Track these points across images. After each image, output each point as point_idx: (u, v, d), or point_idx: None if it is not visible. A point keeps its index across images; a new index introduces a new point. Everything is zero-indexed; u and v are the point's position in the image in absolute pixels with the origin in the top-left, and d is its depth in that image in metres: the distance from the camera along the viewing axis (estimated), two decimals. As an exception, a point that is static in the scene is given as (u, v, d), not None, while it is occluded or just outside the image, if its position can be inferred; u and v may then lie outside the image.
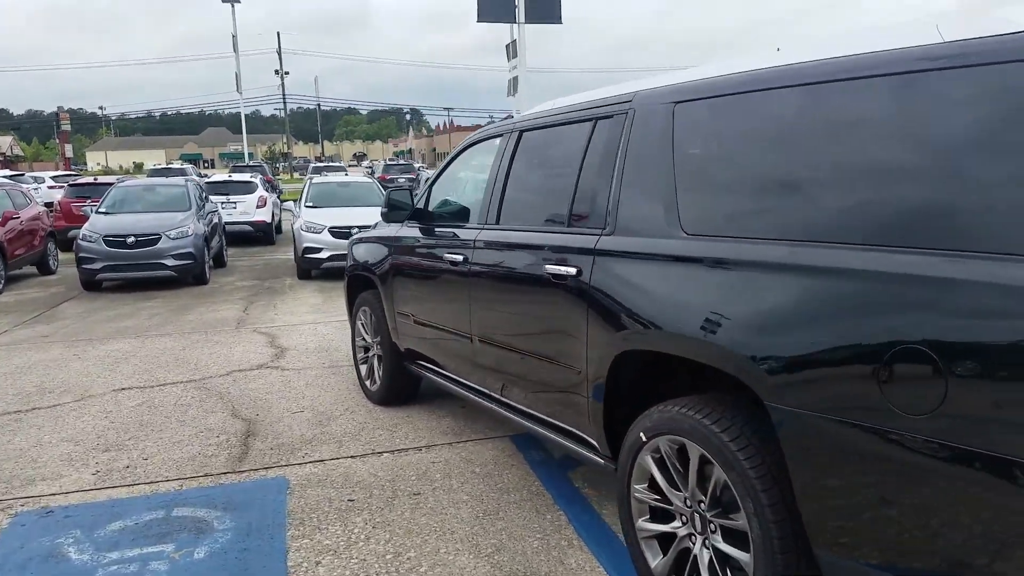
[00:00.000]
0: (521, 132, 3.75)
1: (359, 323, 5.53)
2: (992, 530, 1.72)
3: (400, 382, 5.20)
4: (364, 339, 5.50)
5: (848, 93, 2.17)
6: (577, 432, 3.23)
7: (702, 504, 2.49)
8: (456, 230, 4.19)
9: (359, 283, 5.54)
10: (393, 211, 4.62)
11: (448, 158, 4.58)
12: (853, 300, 1.99)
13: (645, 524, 2.73)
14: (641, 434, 2.65)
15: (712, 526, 2.46)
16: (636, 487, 2.74)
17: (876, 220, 1.99)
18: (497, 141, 3.99)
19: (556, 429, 3.38)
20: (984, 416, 1.70)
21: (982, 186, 1.80)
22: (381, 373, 5.21)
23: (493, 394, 3.91)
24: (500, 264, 3.65)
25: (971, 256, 1.74)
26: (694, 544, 2.54)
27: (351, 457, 4.37)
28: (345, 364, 6.48)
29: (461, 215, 4.32)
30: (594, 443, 3.11)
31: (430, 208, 4.58)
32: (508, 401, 3.78)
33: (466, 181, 4.54)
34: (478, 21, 18.08)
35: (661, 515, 2.70)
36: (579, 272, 2.97)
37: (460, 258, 3.91)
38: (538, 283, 3.27)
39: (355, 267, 5.47)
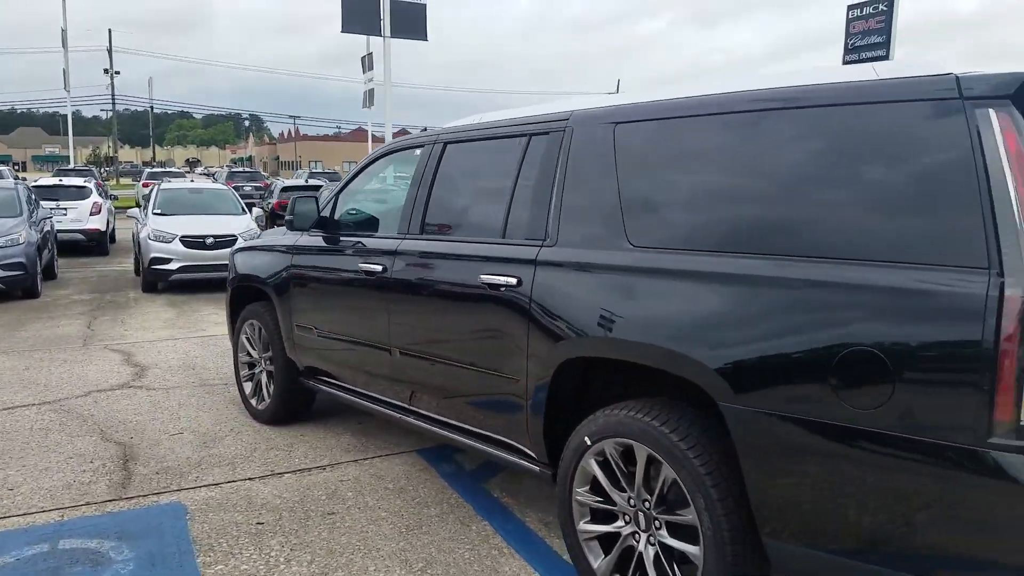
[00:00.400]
0: (445, 144, 3.76)
1: (243, 338, 5.27)
2: (920, 507, 1.95)
3: (294, 399, 5.00)
4: (250, 355, 5.24)
5: (752, 122, 2.42)
6: (508, 441, 3.27)
7: (647, 503, 2.60)
8: (372, 240, 4.11)
9: (245, 295, 5.28)
10: (299, 219, 4.45)
11: (358, 167, 4.49)
12: (793, 306, 2.19)
13: (586, 526, 2.82)
14: (586, 438, 2.74)
15: (657, 523, 2.58)
16: (578, 490, 2.82)
17: (791, 234, 2.22)
18: (417, 152, 3.97)
19: (485, 439, 3.40)
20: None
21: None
22: (272, 390, 4.98)
23: (411, 407, 3.87)
24: (426, 275, 3.63)
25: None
26: (638, 542, 2.66)
27: (249, 479, 4.14)
28: (217, 382, 6.15)
29: (376, 225, 4.25)
30: (528, 451, 3.16)
31: (337, 217, 4.46)
32: (428, 413, 3.75)
33: (381, 191, 4.48)
34: (343, 31, 17.75)
35: (602, 516, 2.80)
36: (519, 282, 3.02)
37: (379, 268, 3.85)
38: (472, 293, 3.29)
39: (241, 278, 5.21)
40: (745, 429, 2.25)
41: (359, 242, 4.20)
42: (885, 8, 24.04)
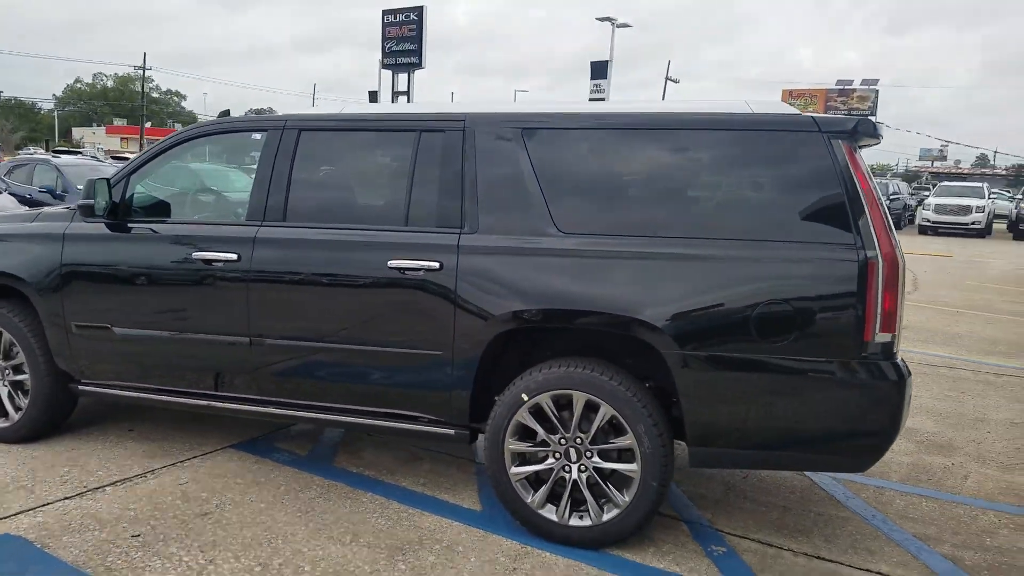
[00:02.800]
0: (299, 131, 3.81)
1: (-41, 347, 4.38)
2: (809, 406, 3.04)
3: (59, 410, 4.38)
4: (-24, 366, 4.38)
5: (667, 139, 3.32)
6: (412, 413, 3.60)
7: (579, 440, 3.28)
8: (210, 228, 3.91)
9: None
10: (100, 204, 3.93)
11: (156, 147, 4.12)
12: (707, 275, 3.11)
13: (518, 469, 3.37)
14: (523, 395, 3.29)
15: (589, 453, 3.28)
16: (510, 440, 3.36)
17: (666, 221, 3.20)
18: (257, 137, 3.92)
19: (381, 415, 3.65)
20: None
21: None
22: (29, 402, 4.27)
23: (268, 397, 3.86)
24: (304, 262, 3.68)
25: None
26: (568, 472, 3.31)
27: (66, 499, 3.65)
28: None
29: (199, 210, 4.03)
30: (439, 418, 3.55)
31: (138, 203, 4.07)
32: (297, 400, 3.81)
33: (198, 174, 4.21)
34: None
35: (531, 459, 3.38)
36: (441, 266, 3.40)
37: (232, 256, 3.74)
38: (375, 278, 3.52)
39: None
40: (683, 369, 3.09)
41: (184, 229, 3.97)
42: (416, 17, 26.90)
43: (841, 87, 44.39)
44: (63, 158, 15.38)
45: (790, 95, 43.29)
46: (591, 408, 3.25)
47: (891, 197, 27.68)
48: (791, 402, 3.07)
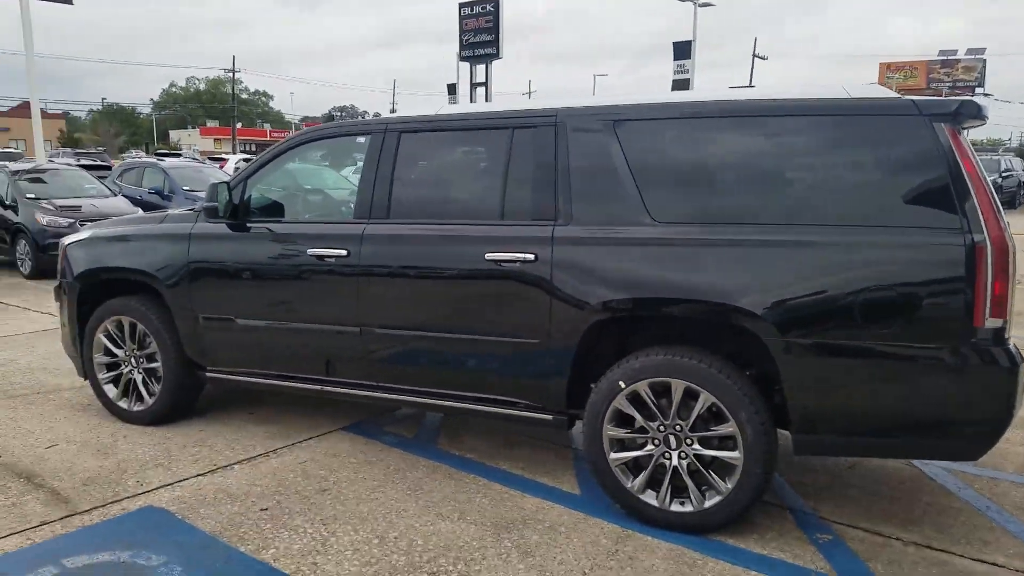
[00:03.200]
0: (400, 133, 4.03)
1: (101, 337, 4.80)
2: (914, 392, 3.04)
3: (187, 395, 4.76)
4: (112, 354, 4.80)
5: (772, 125, 3.34)
6: (510, 399, 3.76)
7: (678, 427, 3.37)
8: (319, 226, 4.19)
9: (98, 291, 4.83)
10: (222, 206, 4.26)
11: (272, 152, 4.43)
12: (809, 261, 3.13)
13: (617, 455, 3.49)
14: (620, 382, 3.41)
15: (689, 440, 3.36)
16: (608, 426, 3.48)
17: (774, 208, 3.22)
18: (362, 140, 4.16)
19: (480, 400, 3.84)
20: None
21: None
22: (161, 388, 4.66)
23: (378, 382, 4.10)
24: (408, 256, 3.89)
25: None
26: (669, 459, 3.41)
27: (199, 476, 3.98)
28: (24, 391, 5.43)
29: (310, 210, 4.30)
30: (537, 404, 3.70)
31: (256, 204, 4.38)
32: (403, 386, 4.03)
33: (301, 176, 4.49)
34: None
35: (628, 445, 3.49)
36: (536, 258, 3.54)
37: (343, 252, 3.99)
38: (474, 270, 3.69)
39: (100, 272, 4.76)
40: (786, 356, 3.13)
41: (298, 228, 4.26)
42: (492, 8, 27.02)
43: (944, 57, 42.16)
44: (169, 161, 16.32)
45: (888, 68, 41.50)
46: (690, 396, 3.33)
47: (1003, 174, 25.73)
48: (899, 389, 3.07)
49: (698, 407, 3.31)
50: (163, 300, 4.57)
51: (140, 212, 11.28)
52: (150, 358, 4.71)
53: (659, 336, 3.59)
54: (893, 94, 3.27)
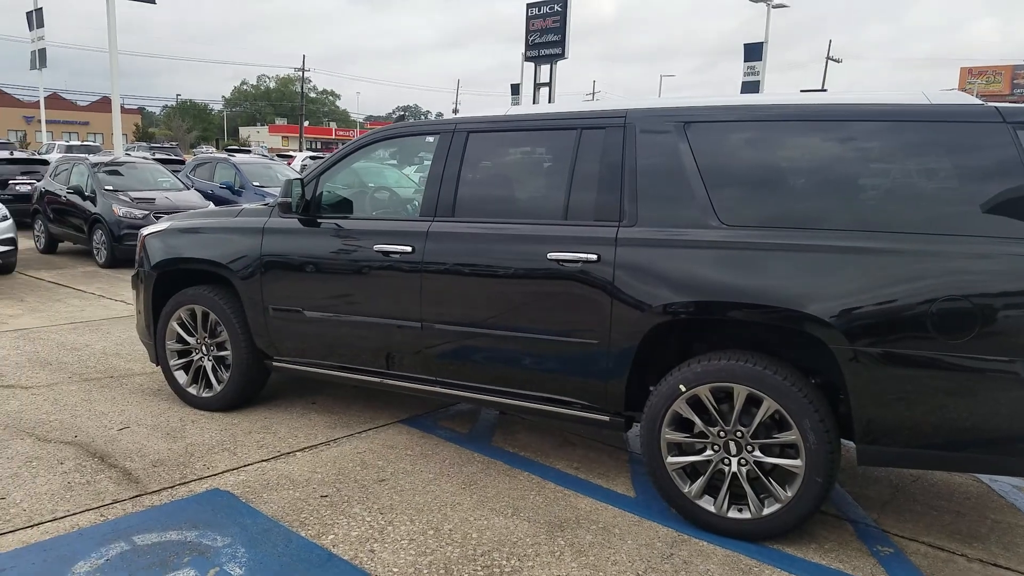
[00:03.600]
0: (468, 133, 4.09)
1: (174, 324, 4.99)
2: (983, 406, 2.94)
3: (254, 384, 4.91)
4: (184, 341, 4.99)
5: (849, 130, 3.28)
6: (567, 399, 3.78)
7: (740, 433, 3.33)
8: (385, 223, 4.28)
9: (176, 280, 5.02)
10: (296, 202, 4.40)
11: (344, 150, 4.55)
12: (881, 269, 3.06)
13: (675, 459, 3.47)
14: (681, 386, 3.39)
15: (750, 447, 3.32)
16: (667, 430, 3.46)
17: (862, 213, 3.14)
18: (430, 140, 4.23)
19: (537, 399, 3.86)
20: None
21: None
22: (230, 376, 4.82)
23: (438, 377, 4.16)
24: (471, 254, 3.95)
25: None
26: (728, 465, 3.37)
27: (263, 461, 4.11)
28: (97, 375, 5.67)
29: (377, 207, 4.39)
30: (594, 405, 3.71)
31: (326, 200, 4.50)
32: (462, 381, 4.09)
33: (378, 175, 4.59)
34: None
35: (686, 449, 3.47)
36: (599, 258, 3.55)
37: (407, 249, 4.06)
38: (536, 269, 3.72)
39: (168, 263, 4.95)
40: (854, 365, 3.07)
41: (365, 224, 4.36)
42: (560, 8, 26.90)
43: (1029, 62, 40.48)
44: (239, 157, 16.80)
45: (969, 73, 39.96)
46: (753, 402, 3.29)
47: None
48: (968, 401, 2.98)
49: (761, 414, 3.27)
50: (235, 291, 4.72)
51: (211, 205, 11.68)
52: (220, 346, 4.87)
53: (721, 340, 3.56)
54: (975, 100, 3.18)
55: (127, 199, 11.52)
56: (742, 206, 3.38)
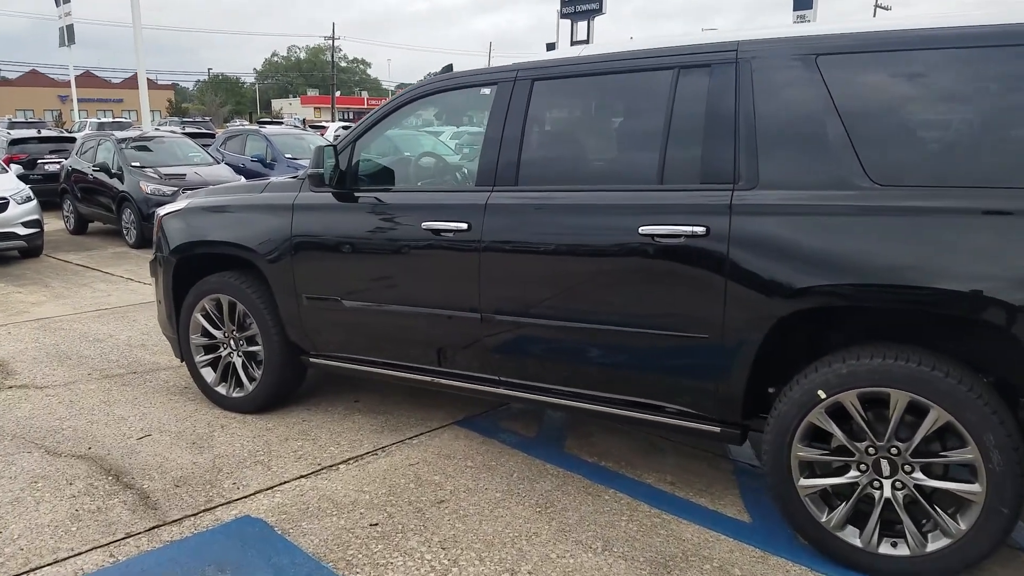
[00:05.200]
0: (532, 81, 3.36)
1: (198, 316, 4.39)
2: None
3: (289, 382, 4.31)
4: (210, 335, 4.39)
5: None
6: (664, 404, 3.09)
7: (895, 450, 2.62)
8: (434, 195, 3.61)
9: (195, 266, 4.41)
10: (328, 173, 3.74)
11: (382, 110, 3.84)
12: None
13: (810, 481, 2.77)
14: (820, 391, 2.67)
15: (909, 467, 2.61)
16: (799, 446, 2.76)
17: None
18: (487, 92, 3.52)
19: (626, 403, 3.19)
20: None
21: None
22: (262, 374, 4.22)
23: (503, 377, 3.50)
24: (540, 230, 3.26)
25: None
26: (879, 489, 2.67)
27: (302, 477, 3.51)
28: (120, 371, 5.14)
29: (425, 177, 3.72)
30: (701, 412, 3.02)
31: (363, 171, 3.83)
32: (532, 383, 3.43)
33: (412, 143, 3.90)
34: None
35: (824, 469, 2.77)
36: (708, 231, 2.83)
37: (463, 226, 3.38)
38: (626, 246, 3.01)
39: (188, 246, 4.34)
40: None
41: (411, 197, 3.69)
42: None
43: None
44: (270, 128, 16.21)
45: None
46: (916, 411, 2.57)
47: None
48: None
49: (926, 426, 2.55)
50: (264, 277, 4.10)
51: (243, 180, 11.13)
52: (250, 341, 4.27)
53: (861, 330, 2.84)
54: None
55: (155, 175, 11.01)
56: (901, 160, 2.62)
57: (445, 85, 3.68)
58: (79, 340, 5.90)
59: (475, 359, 3.57)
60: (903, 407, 2.57)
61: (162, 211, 4.63)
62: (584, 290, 3.16)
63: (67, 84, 31.00)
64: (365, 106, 68.22)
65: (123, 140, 11.83)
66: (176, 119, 35.48)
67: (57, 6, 27.27)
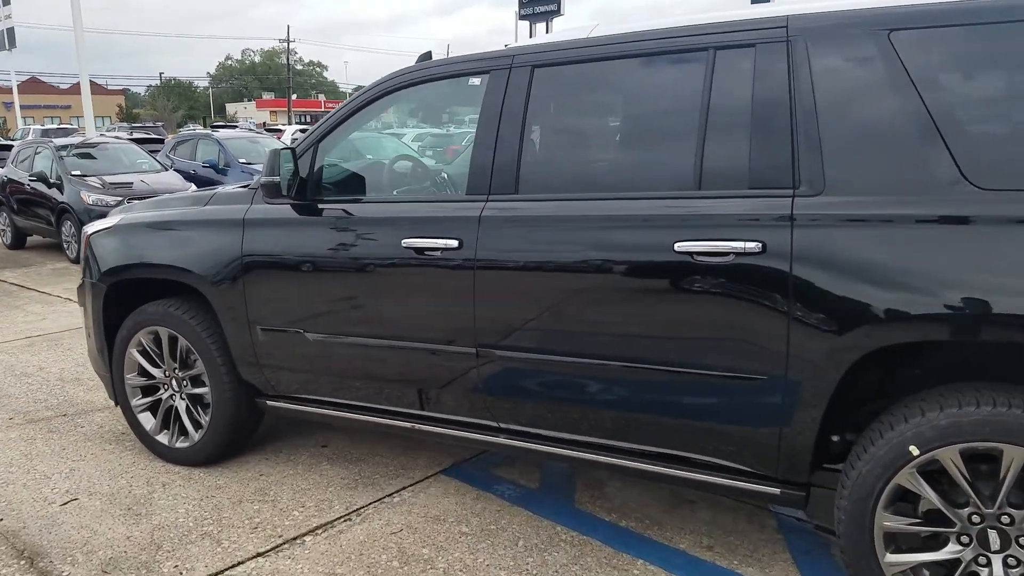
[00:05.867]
0: (533, 68, 2.78)
1: (135, 352, 3.72)
2: None
3: (242, 428, 3.67)
4: (148, 375, 3.72)
5: None
6: (713, 459, 2.53)
7: (1007, 518, 2.09)
8: (417, 205, 3.01)
9: (128, 293, 3.74)
10: (285, 181, 3.10)
11: (349, 107, 3.21)
12: None
13: (897, 557, 2.23)
14: (912, 447, 2.13)
15: (1027, 540, 2.08)
16: (884, 514, 2.22)
17: None
18: (475, 82, 2.92)
19: (661, 458, 2.62)
20: None
21: None
22: (210, 420, 3.57)
23: (504, 424, 2.91)
24: (548, 248, 2.67)
25: None
26: (987, 566, 2.14)
27: (258, 556, 2.88)
28: (48, 413, 4.45)
29: (414, 183, 3.12)
30: (757, 469, 2.47)
31: (328, 178, 3.21)
32: (540, 431, 2.85)
33: (384, 142, 3.29)
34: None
35: (914, 543, 2.24)
36: (764, 248, 2.27)
37: (452, 243, 2.78)
38: (653, 268, 2.45)
39: (132, 268, 3.66)
40: None
41: (387, 210, 3.08)
42: None
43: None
44: (223, 132, 15.37)
45: None
46: (1030, 471, 2.04)
47: None
48: None
49: (1050, 490, 2.02)
50: (210, 306, 3.45)
51: (193, 187, 10.35)
52: (196, 381, 3.61)
53: (944, 368, 2.31)
54: None
55: (98, 184, 10.18)
56: (1009, 158, 2.09)
57: (425, 75, 3.07)
58: (4, 375, 5.16)
59: (468, 402, 2.97)
60: (1019, 467, 2.04)
61: (90, 228, 3.94)
62: (603, 320, 2.59)
63: (10, 90, 29.60)
64: (322, 109, 66.99)
65: (63, 147, 10.96)
66: (126, 125, 34.14)
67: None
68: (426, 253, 2.85)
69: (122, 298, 3.76)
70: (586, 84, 2.81)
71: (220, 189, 3.75)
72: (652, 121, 2.72)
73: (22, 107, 28.44)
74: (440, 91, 3.20)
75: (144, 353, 3.71)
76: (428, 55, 3.23)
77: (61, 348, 5.83)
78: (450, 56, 3.09)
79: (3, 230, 11.67)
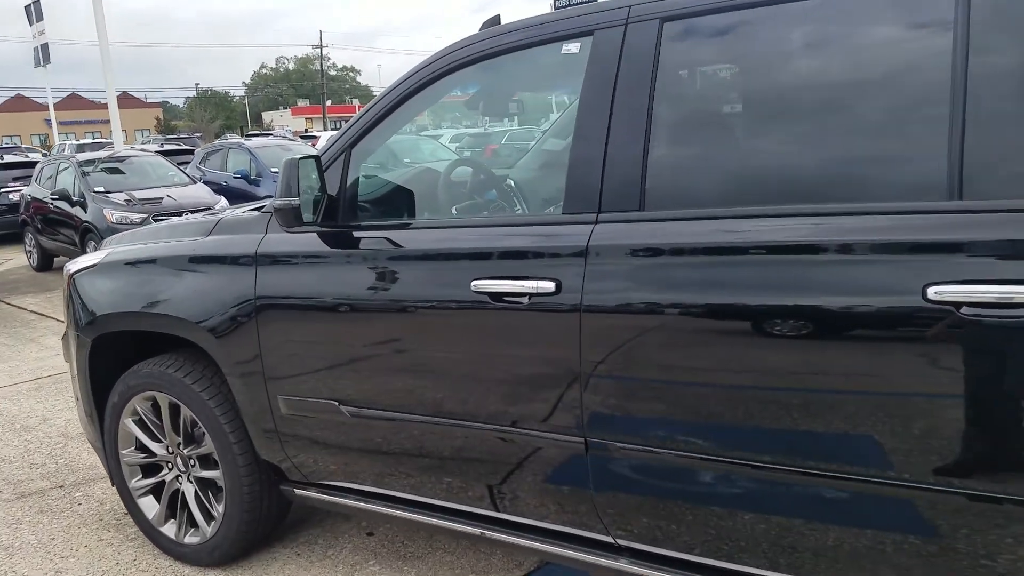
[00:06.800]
0: (663, 22, 1.88)
1: (130, 423, 2.90)
2: None
3: (265, 521, 2.83)
4: (148, 451, 2.91)
5: None
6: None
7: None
8: (492, 231, 2.13)
9: (119, 350, 2.94)
10: (303, 204, 2.24)
11: (390, 98, 2.33)
12: None
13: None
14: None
15: None
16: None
17: None
18: (573, 50, 2.04)
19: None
20: None
21: None
22: (225, 509, 2.75)
23: (627, 542, 2.03)
24: (699, 290, 1.77)
25: None
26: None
27: None
28: (43, 485, 3.72)
29: (478, 197, 2.25)
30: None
31: (362, 195, 2.36)
32: (686, 556, 1.95)
33: (421, 145, 2.43)
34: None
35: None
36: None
37: (547, 287, 1.90)
38: (885, 323, 1.55)
39: (118, 318, 2.85)
40: None
41: (446, 238, 2.21)
42: None
43: None
44: (254, 140, 14.75)
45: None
46: None
47: None
48: None
49: None
50: (219, 368, 2.63)
51: (223, 201, 9.67)
52: (205, 460, 2.80)
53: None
54: None
55: (122, 201, 9.56)
56: None
57: (498, 44, 2.17)
58: (2, 431, 4.45)
59: (569, 505, 2.09)
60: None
61: (73, 266, 3.14)
62: (800, 401, 1.68)
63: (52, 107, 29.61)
64: (356, 114, 66.82)
65: (86, 163, 10.37)
66: (159, 136, 34.06)
67: (31, 24, 25.89)
68: (506, 300, 1.97)
69: (116, 351, 2.97)
70: (746, 41, 1.88)
71: (226, 214, 2.90)
72: (854, 94, 1.76)
73: (64, 123, 28.43)
74: (515, 67, 2.32)
75: (141, 424, 2.90)
76: (496, 19, 2.34)
77: (69, 393, 5.10)
78: (532, 17, 2.18)
79: (29, 251, 11.15)
